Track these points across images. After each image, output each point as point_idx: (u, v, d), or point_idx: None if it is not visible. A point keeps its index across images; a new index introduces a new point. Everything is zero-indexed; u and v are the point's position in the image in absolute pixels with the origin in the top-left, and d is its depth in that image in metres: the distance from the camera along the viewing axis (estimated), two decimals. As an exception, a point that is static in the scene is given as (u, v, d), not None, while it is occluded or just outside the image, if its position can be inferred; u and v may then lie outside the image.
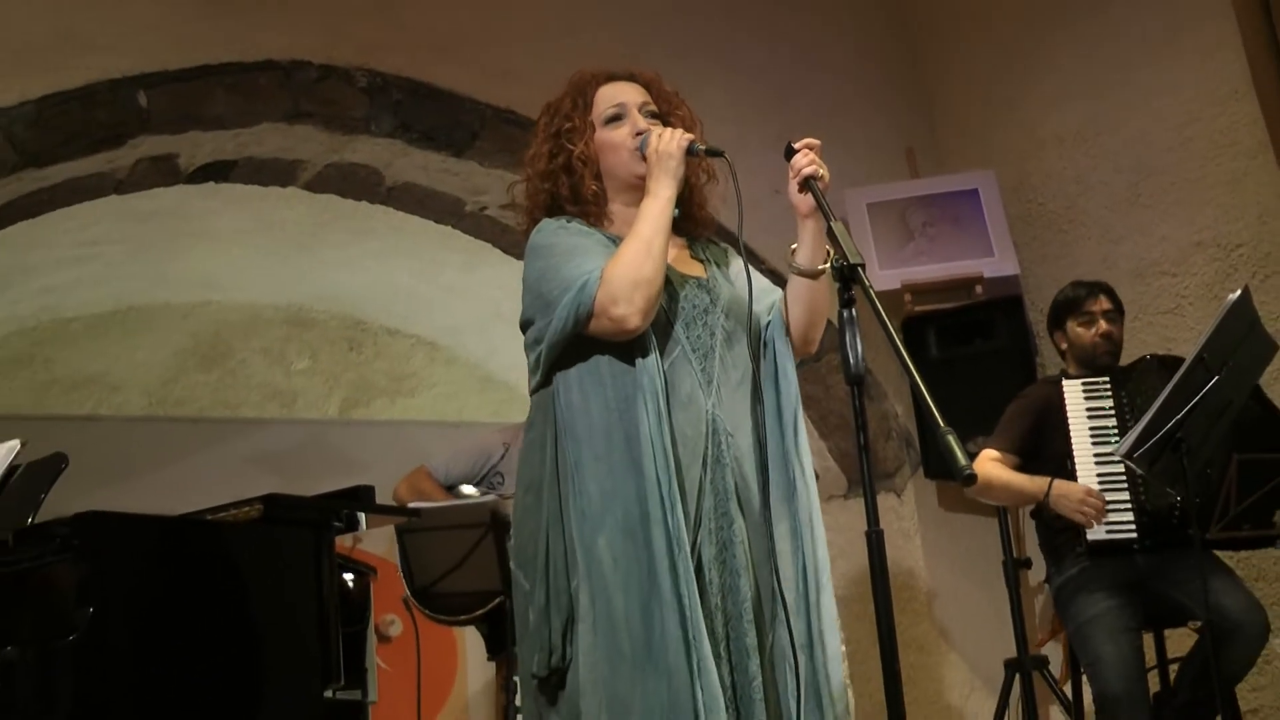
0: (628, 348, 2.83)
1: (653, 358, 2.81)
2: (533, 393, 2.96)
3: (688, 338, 2.90)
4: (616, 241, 2.89)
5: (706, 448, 2.84)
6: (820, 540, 2.88)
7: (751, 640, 2.79)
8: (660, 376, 2.80)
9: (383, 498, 3.51)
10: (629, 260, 2.80)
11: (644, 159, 2.95)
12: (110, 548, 2.81)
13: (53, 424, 6.52)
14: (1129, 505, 4.46)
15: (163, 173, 5.33)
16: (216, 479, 4.64)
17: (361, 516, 3.35)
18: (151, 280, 7.27)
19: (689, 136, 2.94)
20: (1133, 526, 4.44)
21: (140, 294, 7.45)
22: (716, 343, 2.91)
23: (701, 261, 3.06)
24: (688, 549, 2.71)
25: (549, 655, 2.78)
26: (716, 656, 2.73)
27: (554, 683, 2.79)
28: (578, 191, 3.00)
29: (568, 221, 2.98)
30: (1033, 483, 4.56)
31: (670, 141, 2.91)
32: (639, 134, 2.99)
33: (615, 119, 3.03)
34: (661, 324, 2.87)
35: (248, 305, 7.81)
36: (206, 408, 7.67)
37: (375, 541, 5.25)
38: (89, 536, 2.78)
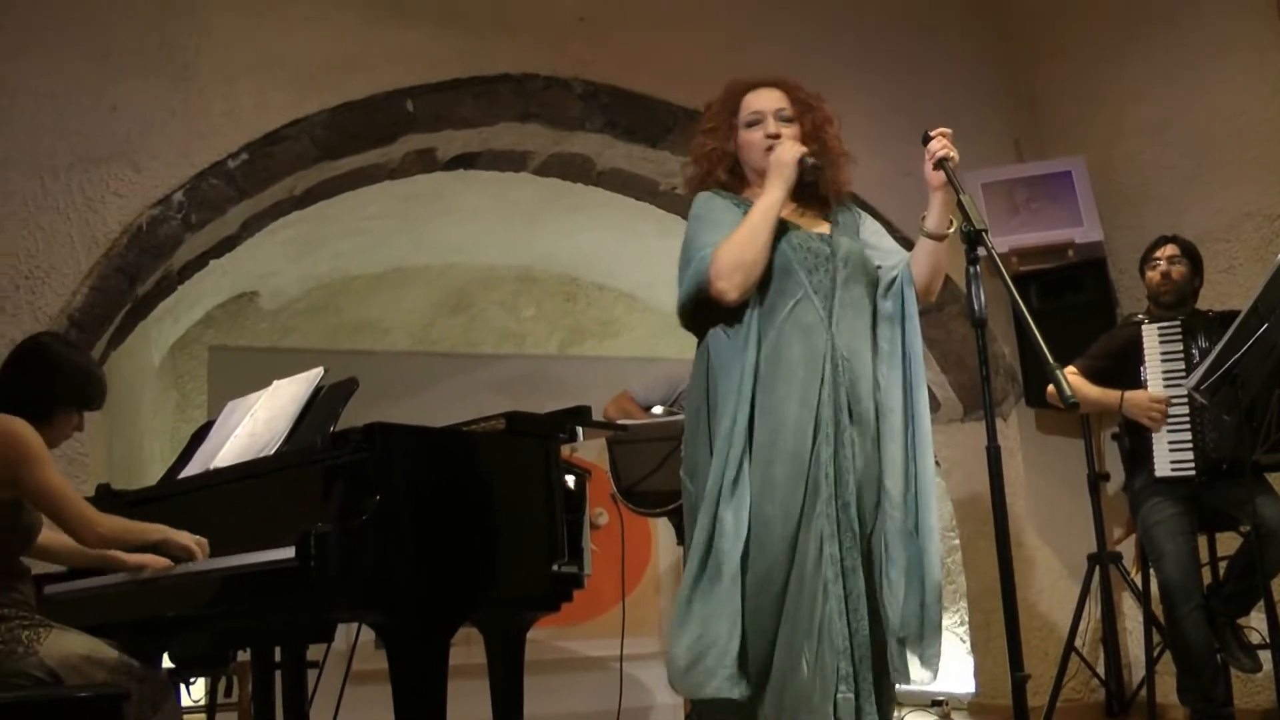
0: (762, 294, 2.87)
1: (777, 306, 2.85)
2: (699, 339, 3.02)
3: (810, 281, 2.88)
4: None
5: (824, 368, 2.82)
6: (929, 452, 2.87)
7: (856, 527, 2.78)
8: (778, 323, 2.84)
9: (594, 416, 3.52)
10: (736, 244, 2.84)
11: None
12: (392, 450, 2.86)
13: (342, 356, 6.66)
14: (1190, 445, 4.32)
15: (424, 162, 5.40)
16: (463, 400, 4.69)
17: (579, 430, 3.36)
18: (414, 246, 7.40)
19: (802, 150, 2.93)
20: (1193, 467, 4.30)
21: (406, 257, 7.59)
22: (836, 285, 2.88)
23: (830, 222, 3.02)
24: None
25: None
26: (831, 536, 2.74)
27: None
28: (713, 174, 3.05)
29: (717, 193, 3.02)
30: (1106, 395, 4.46)
31: (787, 153, 2.92)
32: (770, 136, 2.99)
33: (754, 123, 3.04)
34: (789, 270, 2.87)
35: (487, 266, 7.91)
36: (456, 345, 7.81)
37: (589, 450, 5.30)
38: (376, 441, 2.84)
